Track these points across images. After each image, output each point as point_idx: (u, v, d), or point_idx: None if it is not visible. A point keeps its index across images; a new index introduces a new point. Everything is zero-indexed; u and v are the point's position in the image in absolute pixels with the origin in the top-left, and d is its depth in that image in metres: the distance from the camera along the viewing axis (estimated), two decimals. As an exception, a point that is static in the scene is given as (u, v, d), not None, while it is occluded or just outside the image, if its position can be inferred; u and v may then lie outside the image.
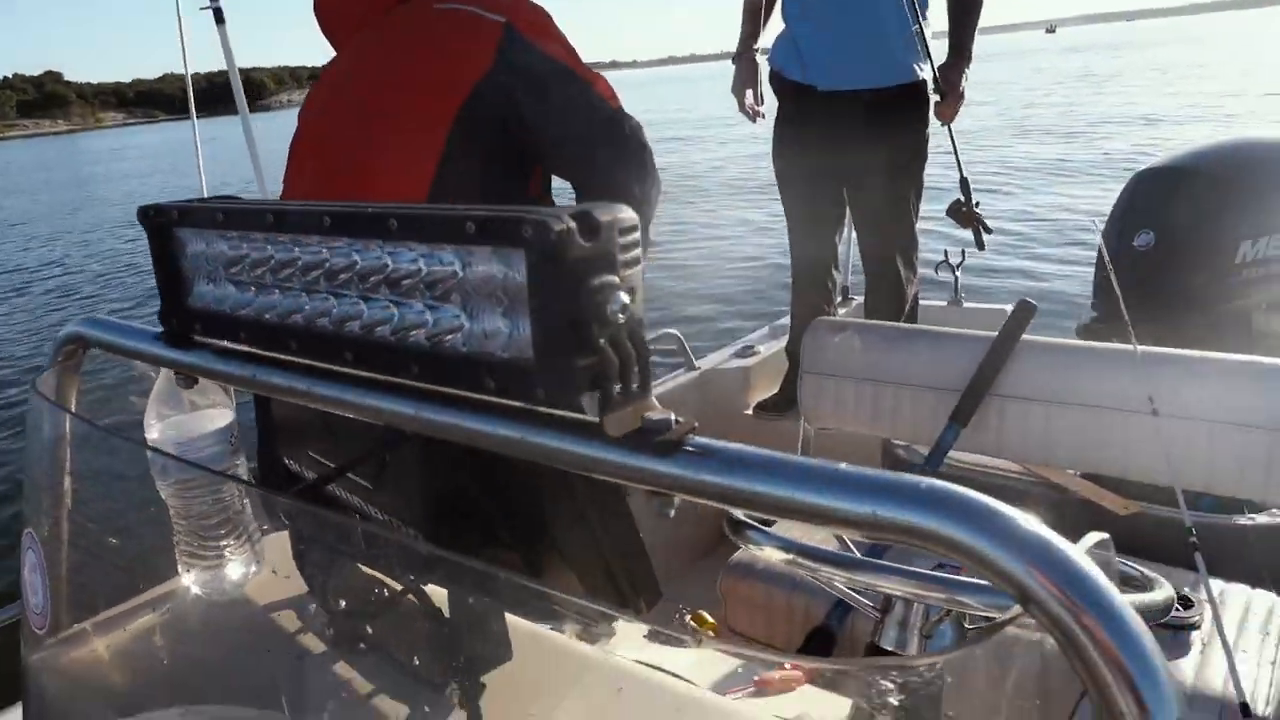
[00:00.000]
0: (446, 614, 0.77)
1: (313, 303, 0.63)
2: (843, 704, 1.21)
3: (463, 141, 1.56)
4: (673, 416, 0.48)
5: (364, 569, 0.83)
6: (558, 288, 0.46)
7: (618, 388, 0.49)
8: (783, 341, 3.46)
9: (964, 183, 3.11)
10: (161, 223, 0.71)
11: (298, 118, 1.73)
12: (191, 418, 0.97)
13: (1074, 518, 2.12)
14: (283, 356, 0.64)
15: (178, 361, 0.77)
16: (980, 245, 3.21)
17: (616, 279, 0.48)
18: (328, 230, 0.58)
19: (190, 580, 0.98)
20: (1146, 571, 1.12)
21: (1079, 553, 0.36)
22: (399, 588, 0.79)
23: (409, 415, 0.57)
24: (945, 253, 3.86)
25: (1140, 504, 2.01)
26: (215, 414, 0.97)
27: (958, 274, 3.84)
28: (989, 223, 3.18)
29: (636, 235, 0.51)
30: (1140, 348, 1.87)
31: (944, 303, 3.90)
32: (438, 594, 0.79)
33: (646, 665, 0.90)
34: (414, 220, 0.53)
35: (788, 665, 1.36)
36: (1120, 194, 3.63)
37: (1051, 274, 7.29)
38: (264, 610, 0.93)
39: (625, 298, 0.48)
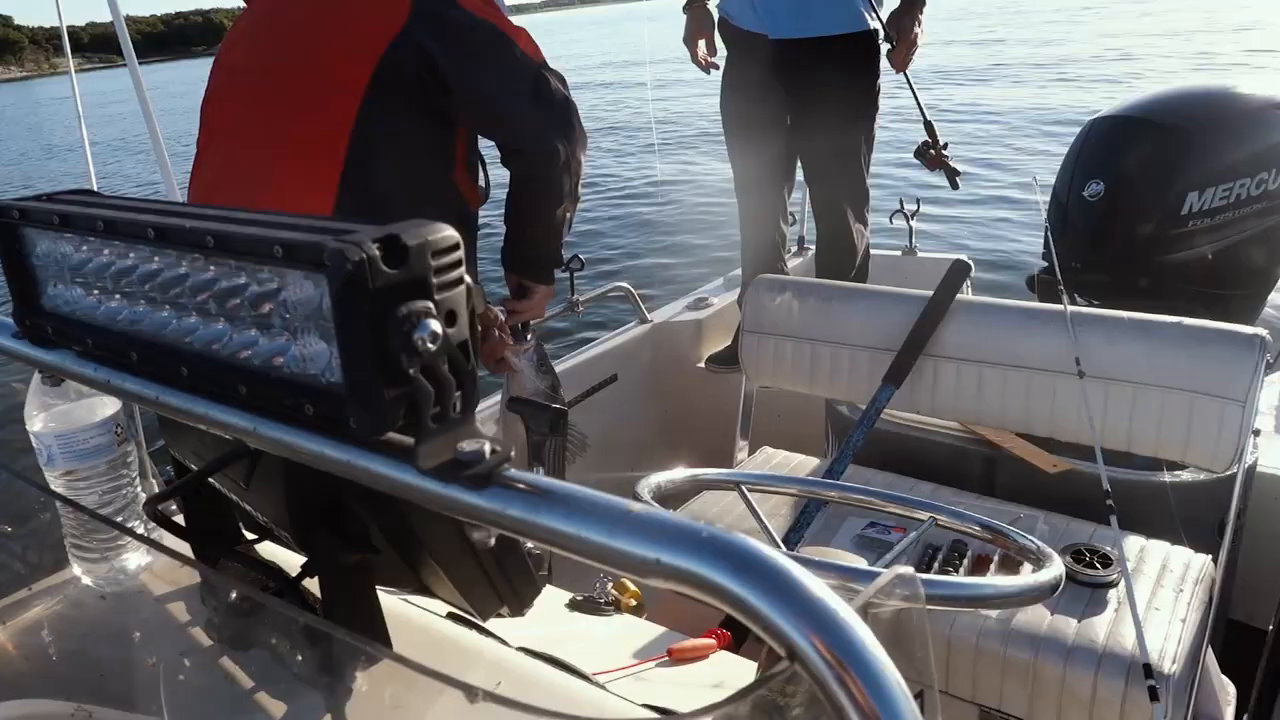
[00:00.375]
0: (321, 611, 0.77)
1: (153, 314, 0.61)
2: (750, 667, 1.24)
3: (379, 102, 1.51)
4: (486, 447, 0.47)
5: (243, 564, 0.82)
6: (360, 317, 0.45)
7: (433, 416, 0.48)
8: (736, 294, 3.46)
9: (928, 125, 3.05)
10: (4, 222, 0.68)
11: (211, 71, 1.66)
12: (76, 406, 0.95)
13: (1006, 475, 2.16)
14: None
15: (39, 360, 0.74)
16: (954, 185, 3.14)
17: (429, 305, 0.47)
18: (153, 241, 0.56)
19: (80, 572, 0.97)
20: (1042, 547, 1.14)
21: (851, 613, 0.36)
22: (273, 585, 0.78)
23: (248, 430, 0.56)
24: (900, 201, 3.85)
25: (1070, 462, 2.04)
26: (99, 403, 0.95)
27: (912, 223, 3.84)
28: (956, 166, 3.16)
29: (457, 255, 0.50)
30: (1071, 308, 1.88)
31: (898, 253, 3.91)
32: (315, 587, 0.79)
33: (534, 654, 0.91)
34: (227, 239, 0.51)
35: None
36: (1073, 141, 3.62)
37: (1009, 225, 7.27)
38: (155, 602, 0.93)
39: (436, 326, 0.47)
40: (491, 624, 1.31)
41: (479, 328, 1.78)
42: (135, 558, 0.97)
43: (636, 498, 1.11)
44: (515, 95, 1.59)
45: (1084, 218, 3.59)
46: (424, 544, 0.73)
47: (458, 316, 0.50)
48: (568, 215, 1.74)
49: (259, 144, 1.55)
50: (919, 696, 0.39)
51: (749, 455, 2.41)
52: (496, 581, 0.76)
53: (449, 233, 0.49)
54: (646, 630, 1.38)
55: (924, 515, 1.29)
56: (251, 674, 0.80)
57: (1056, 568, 1.07)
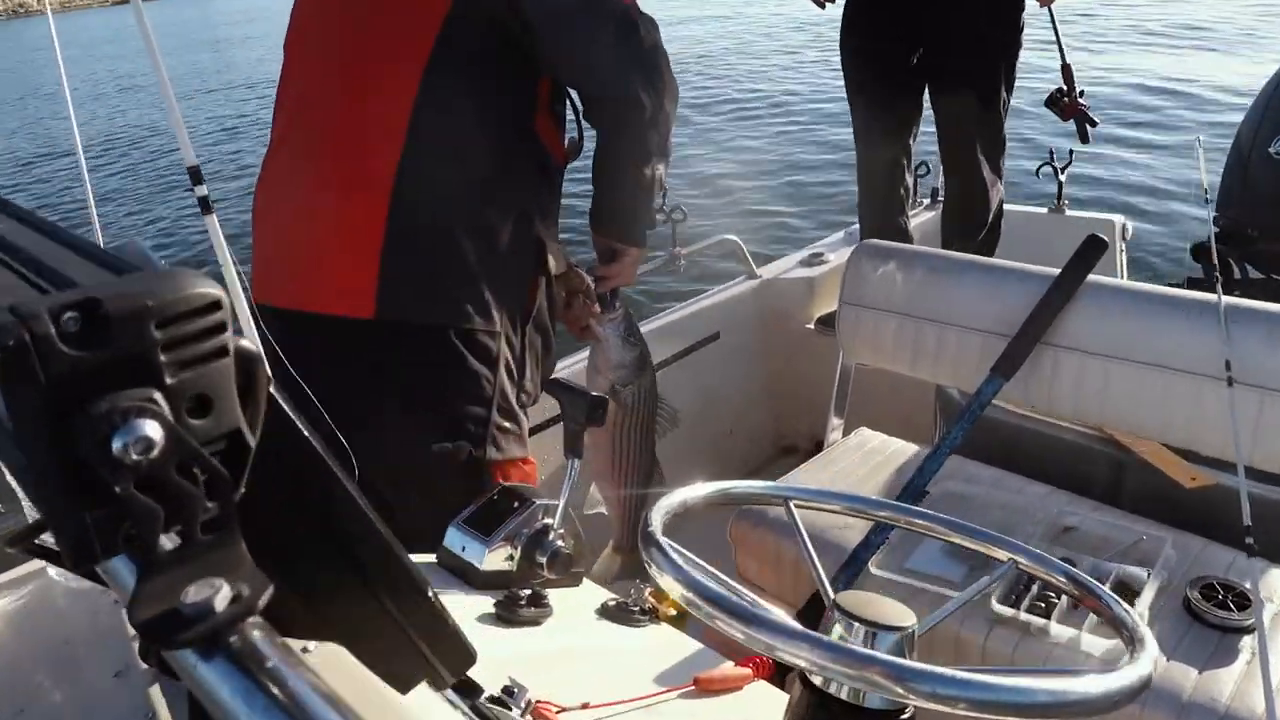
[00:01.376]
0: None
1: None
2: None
3: (455, 38, 1.39)
4: (223, 593, 0.34)
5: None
6: (31, 418, 0.33)
7: (180, 537, 0.35)
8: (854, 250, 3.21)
9: (1066, 69, 2.75)
10: None
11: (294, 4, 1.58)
12: None
13: (1135, 484, 1.89)
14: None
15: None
16: (1084, 139, 2.88)
17: (147, 397, 0.34)
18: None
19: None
20: (1140, 626, 0.92)
21: None
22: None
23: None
24: (1051, 153, 3.46)
25: (1211, 475, 1.76)
26: None
27: (1062, 178, 3.45)
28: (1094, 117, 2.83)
29: (214, 317, 0.36)
30: (1225, 299, 1.59)
31: (1043, 209, 3.53)
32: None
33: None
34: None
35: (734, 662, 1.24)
36: (1263, 87, 3.16)
37: (1173, 184, 6.45)
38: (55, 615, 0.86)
39: (151, 427, 0.33)
40: (511, 632, 1.21)
41: (553, 299, 1.63)
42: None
43: (646, 525, 0.96)
44: (597, 37, 1.44)
45: (1269, 176, 3.13)
46: (345, 623, 0.61)
47: (214, 402, 0.36)
48: (657, 173, 1.59)
49: (337, 88, 1.46)
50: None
51: (843, 436, 2.22)
52: (425, 654, 0.64)
53: (199, 289, 0.36)
54: (678, 648, 1.25)
55: (1002, 554, 1.09)
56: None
57: (1146, 662, 0.86)
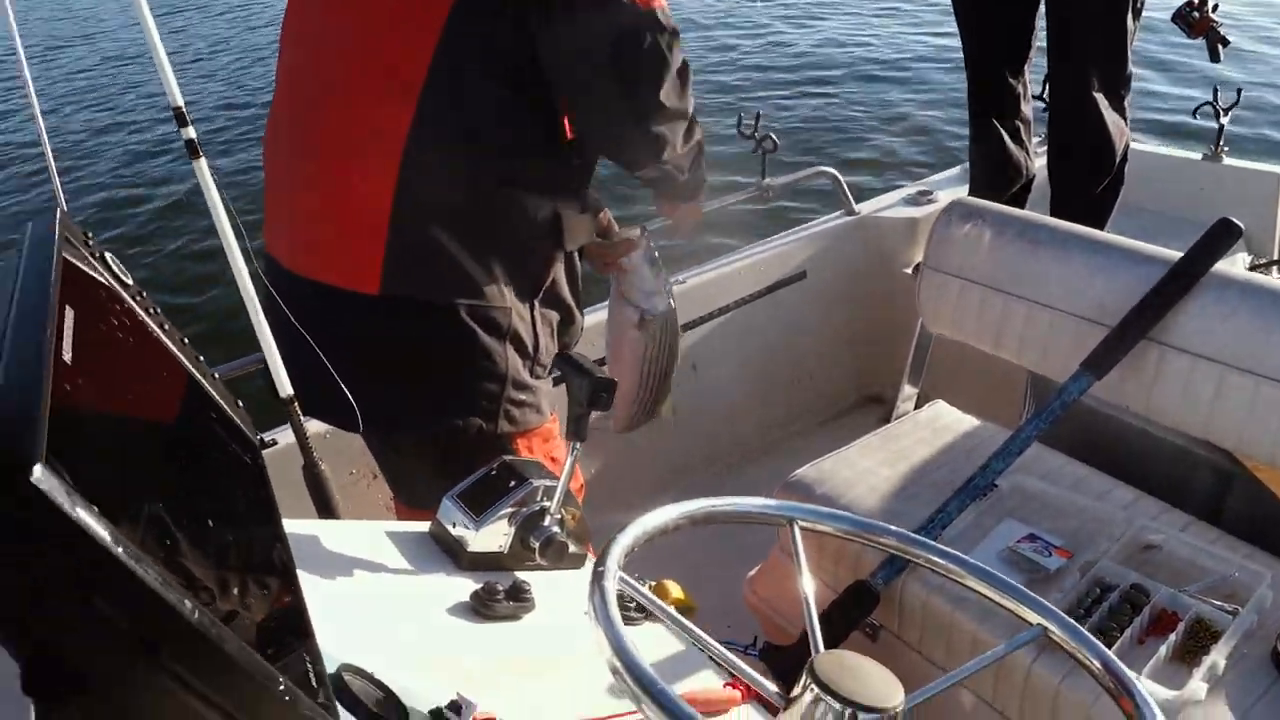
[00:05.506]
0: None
1: None
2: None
3: (466, 19, 1.27)
4: None
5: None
6: None
7: None
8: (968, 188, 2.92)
9: None
10: None
11: None
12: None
13: (1240, 502, 1.66)
14: None
15: None
16: (1215, 58, 2.57)
17: None
18: None
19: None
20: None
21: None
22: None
23: None
24: (1215, 90, 3.04)
25: (1330, 506, 1.52)
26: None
27: (1224, 120, 3.03)
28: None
29: None
30: (1380, 312, 1.33)
31: (1198, 156, 3.13)
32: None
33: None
34: None
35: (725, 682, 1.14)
36: None
37: None
38: None
39: None
40: (483, 628, 1.15)
41: (574, 273, 1.52)
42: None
43: (600, 561, 0.85)
44: (592, 50, 1.29)
45: None
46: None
47: None
48: (696, 171, 1.52)
49: (344, 43, 1.36)
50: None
51: (915, 408, 2.04)
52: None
53: None
54: (670, 654, 1.16)
55: (1032, 617, 0.94)
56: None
57: None
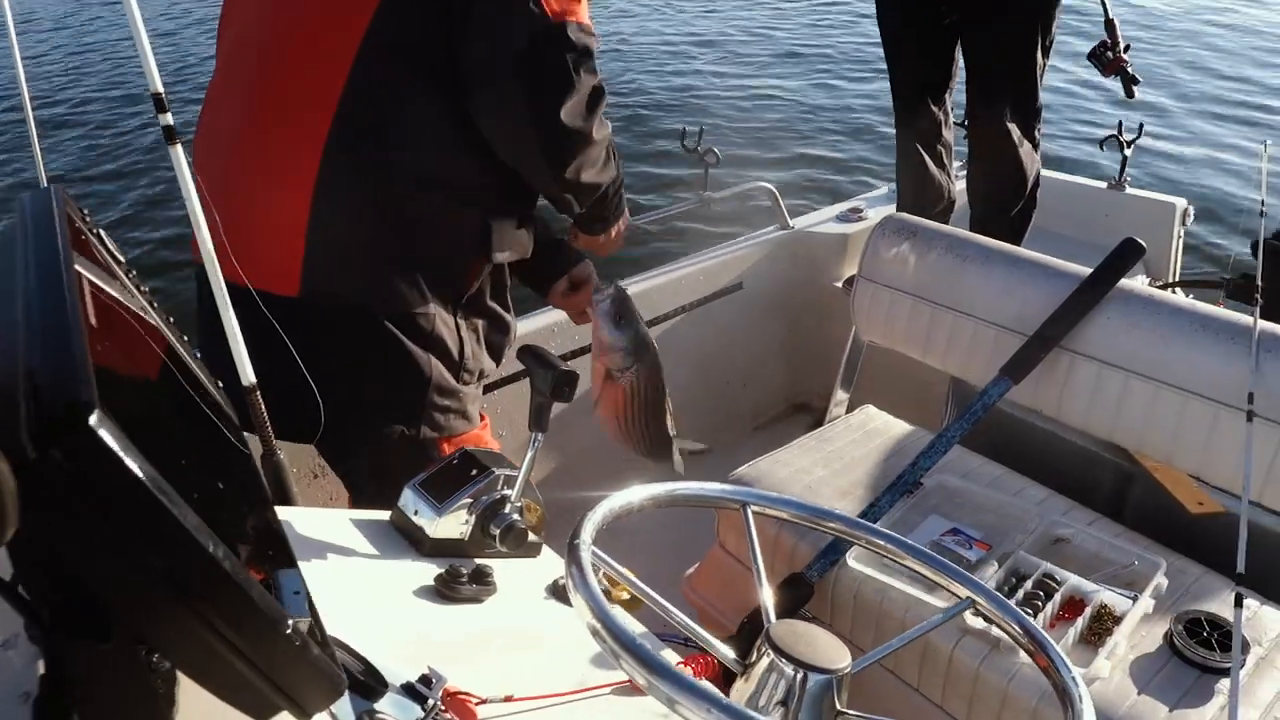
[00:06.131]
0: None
1: None
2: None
3: (389, 21, 1.29)
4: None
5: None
6: None
7: None
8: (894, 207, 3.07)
9: (1110, 24, 2.62)
10: None
11: None
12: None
13: (1139, 498, 1.81)
14: None
15: None
16: (1129, 94, 2.74)
17: None
18: None
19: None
20: (1083, 699, 0.86)
21: None
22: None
23: None
24: (1120, 123, 3.25)
25: (1220, 504, 1.67)
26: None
27: (1127, 153, 3.25)
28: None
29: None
30: (1262, 324, 1.48)
31: (1103, 184, 3.34)
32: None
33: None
34: None
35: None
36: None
37: (1242, 168, 5.99)
38: None
39: None
40: (448, 609, 1.19)
41: (501, 281, 1.54)
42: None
43: (575, 534, 0.91)
44: (496, 60, 1.29)
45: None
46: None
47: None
48: (611, 186, 1.51)
49: (262, 49, 1.38)
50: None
51: (847, 412, 2.15)
52: (267, 687, 0.60)
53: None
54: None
55: (961, 591, 1.04)
56: None
57: None
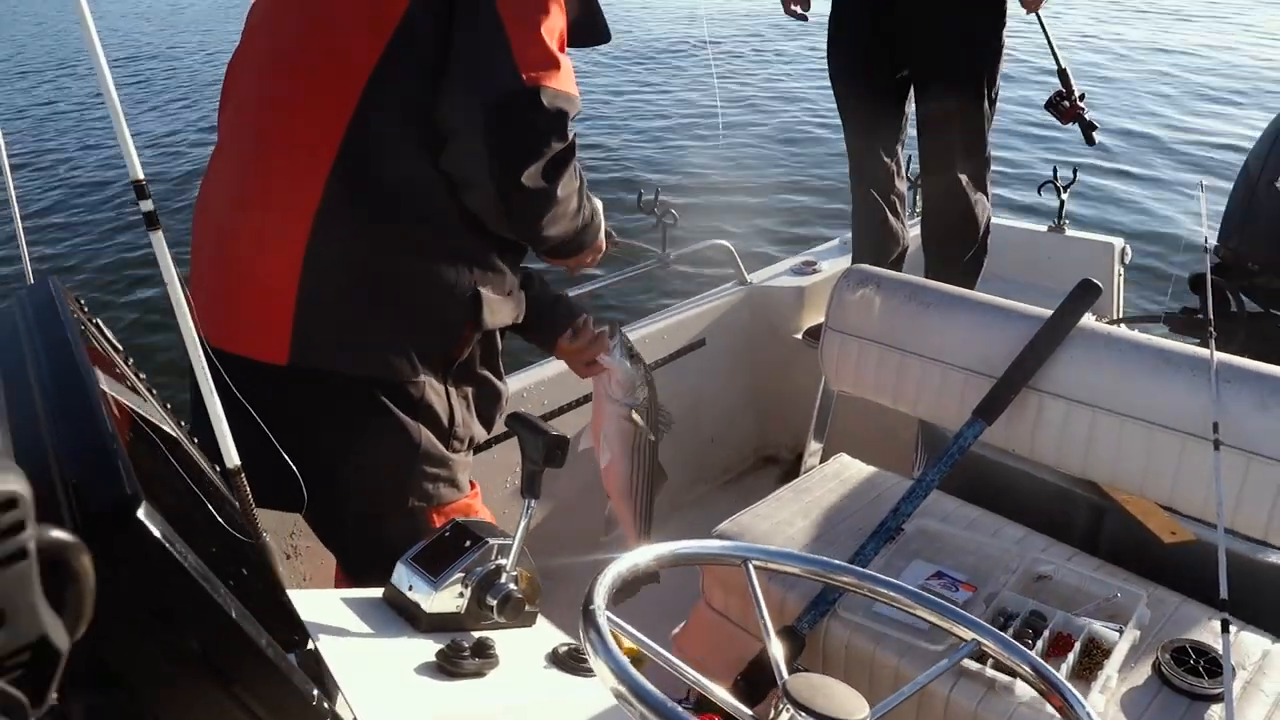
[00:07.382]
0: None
1: None
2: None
3: (381, 91, 1.31)
4: None
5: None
6: None
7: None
8: (849, 259, 3.15)
9: (1063, 74, 2.74)
10: None
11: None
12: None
13: (1114, 532, 1.85)
14: None
15: None
16: (1089, 141, 2.87)
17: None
18: None
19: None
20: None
21: None
22: None
23: None
24: (1054, 169, 3.39)
25: (1193, 533, 1.71)
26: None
27: (1064, 197, 3.38)
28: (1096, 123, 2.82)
29: (11, 516, 0.31)
30: (1219, 356, 1.54)
31: (1043, 228, 3.47)
32: None
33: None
34: None
35: None
36: (1278, 116, 3.10)
37: (1181, 204, 6.30)
38: None
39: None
40: (451, 685, 1.16)
41: (492, 348, 1.54)
42: None
43: (589, 600, 0.91)
44: (472, 121, 1.30)
45: (1273, 210, 3.06)
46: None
47: (6, 615, 0.31)
48: (584, 229, 1.52)
49: (265, 106, 1.40)
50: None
51: (821, 462, 2.17)
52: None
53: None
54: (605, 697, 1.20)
55: (966, 633, 1.05)
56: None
57: None
